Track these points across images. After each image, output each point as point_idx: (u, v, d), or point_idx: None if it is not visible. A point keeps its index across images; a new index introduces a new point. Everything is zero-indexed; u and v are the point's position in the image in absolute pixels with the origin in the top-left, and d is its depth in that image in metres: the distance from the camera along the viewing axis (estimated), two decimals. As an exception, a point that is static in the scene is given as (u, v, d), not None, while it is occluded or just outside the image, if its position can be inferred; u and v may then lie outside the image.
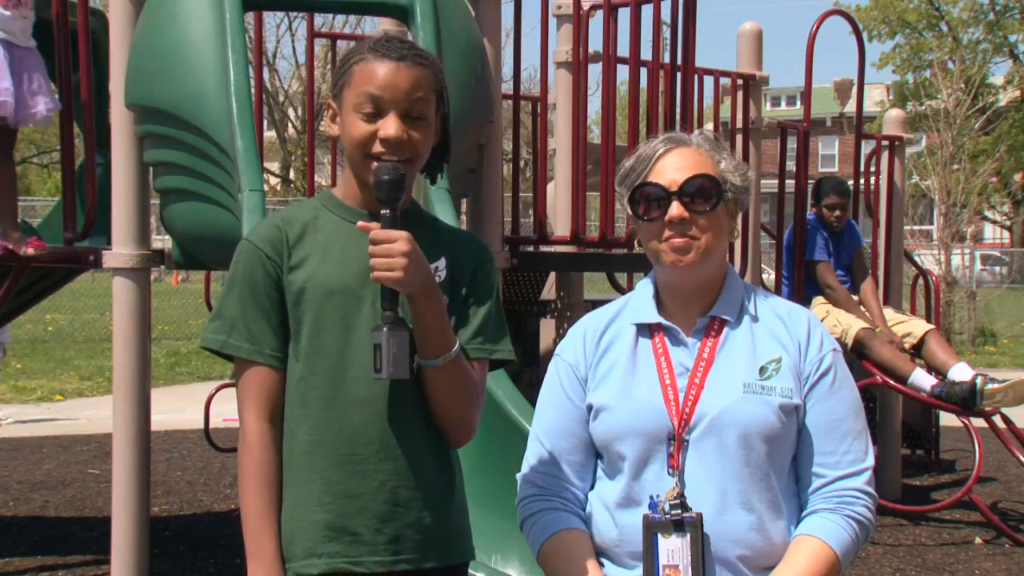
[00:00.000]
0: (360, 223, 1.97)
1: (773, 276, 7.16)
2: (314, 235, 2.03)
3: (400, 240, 1.91)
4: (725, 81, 6.54)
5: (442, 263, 2.06)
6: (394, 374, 1.93)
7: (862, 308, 6.41)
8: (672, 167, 2.07)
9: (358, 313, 1.99)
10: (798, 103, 47.48)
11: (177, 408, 9.43)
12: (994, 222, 36.79)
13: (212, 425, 6.23)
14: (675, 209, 2.05)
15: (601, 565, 2.09)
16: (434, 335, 1.97)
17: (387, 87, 1.98)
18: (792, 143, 6.58)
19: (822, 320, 5.32)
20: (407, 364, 1.94)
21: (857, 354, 5.98)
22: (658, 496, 2.03)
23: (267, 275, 2.01)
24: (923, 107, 19.12)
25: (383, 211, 1.95)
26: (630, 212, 2.12)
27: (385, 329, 1.92)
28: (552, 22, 5.72)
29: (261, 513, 1.98)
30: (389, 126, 1.98)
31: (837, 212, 6.49)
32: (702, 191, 2.06)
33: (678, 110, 5.43)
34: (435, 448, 2.05)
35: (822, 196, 6.53)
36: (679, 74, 5.41)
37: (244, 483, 2.00)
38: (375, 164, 1.99)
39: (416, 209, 2.10)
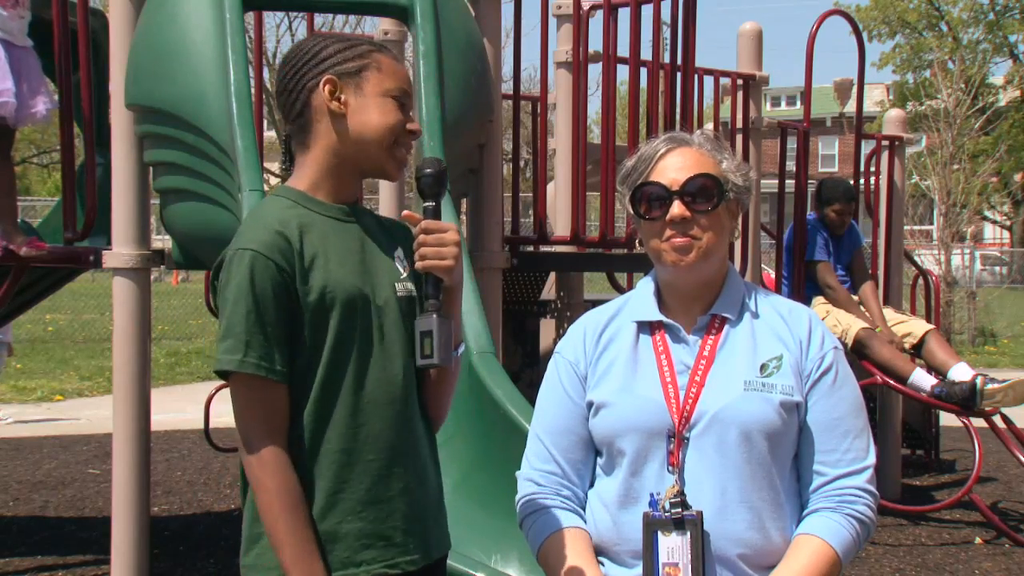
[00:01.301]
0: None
1: (773, 276, 7.16)
2: (310, 237, 1.96)
3: (451, 230, 1.97)
4: (725, 81, 6.54)
5: (400, 253, 2.09)
6: (444, 360, 1.96)
7: (862, 308, 6.41)
8: (673, 167, 2.07)
9: (368, 313, 1.98)
10: (798, 103, 47.46)
11: (177, 408, 9.43)
12: (994, 222, 36.78)
13: (212, 425, 6.23)
14: (676, 208, 2.05)
15: (600, 564, 2.09)
16: (457, 325, 2.05)
17: (410, 89, 2.05)
18: (792, 143, 6.58)
19: (822, 320, 5.32)
20: (451, 352, 1.98)
21: (857, 354, 5.98)
22: (658, 494, 2.02)
23: (279, 287, 1.90)
24: (923, 107, 19.13)
25: (427, 203, 2.00)
26: (631, 212, 2.12)
27: (435, 316, 1.95)
28: (552, 22, 5.72)
29: (302, 537, 1.89)
30: (415, 122, 2.05)
31: (843, 217, 6.50)
32: (703, 191, 2.06)
33: (678, 110, 5.43)
34: (431, 443, 2.09)
35: (828, 200, 6.52)
36: (679, 74, 5.42)
37: (275, 510, 1.88)
38: (416, 157, 2.04)
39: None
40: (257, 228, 1.95)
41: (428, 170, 2.00)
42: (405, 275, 2.06)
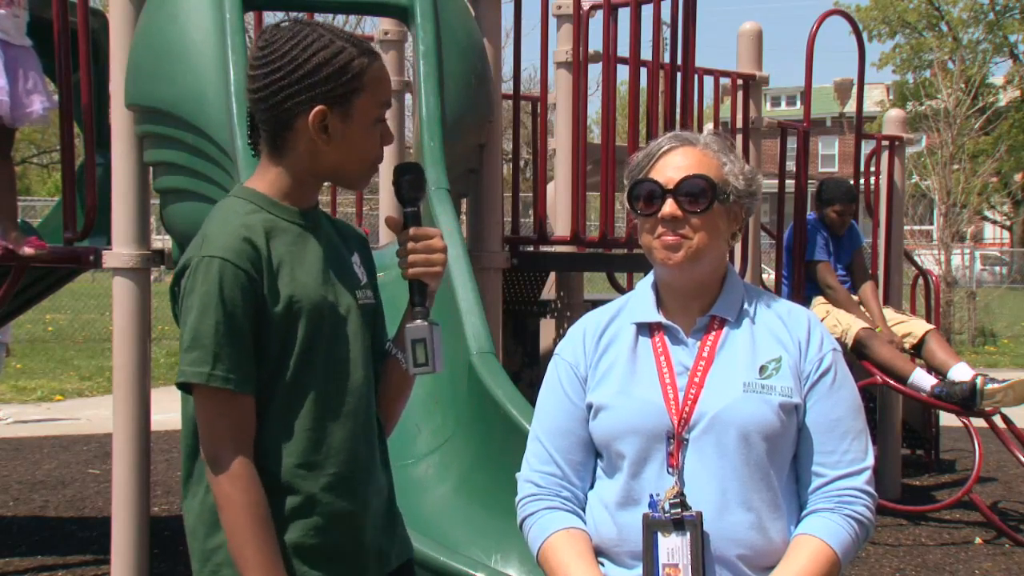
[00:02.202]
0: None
1: (773, 276, 7.16)
2: (275, 243, 1.88)
3: (437, 236, 1.93)
4: (725, 81, 6.54)
5: (357, 259, 2.04)
6: (439, 367, 1.93)
7: (862, 308, 6.41)
8: (672, 165, 2.08)
9: (333, 323, 1.92)
10: (798, 103, 47.44)
11: (177, 408, 9.39)
12: (994, 222, 36.79)
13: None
14: (668, 207, 2.05)
15: (600, 565, 2.09)
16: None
17: (391, 95, 1.99)
18: (792, 143, 6.59)
19: (822, 320, 5.32)
20: (442, 358, 1.95)
21: (857, 354, 5.98)
22: (658, 495, 2.02)
23: (248, 296, 1.83)
24: (923, 107, 19.15)
25: (409, 208, 1.95)
26: (629, 207, 2.12)
27: (427, 323, 1.92)
28: (552, 22, 5.72)
29: (271, 554, 1.83)
30: (390, 133, 1.97)
31: (843, 217, 6.50)
32: (697, 191, 2.05)
33: (678, 110, 5.43)
34: (384, 450, 2.06)
35: (829, 201, 6.51)
36: (679, 74, 5.42)
37: (245, 527, 1.82)
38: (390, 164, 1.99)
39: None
40: (224, 234, 1.85)
41: (407, 176, 1.96)
42: (364, 282, 2.01)
